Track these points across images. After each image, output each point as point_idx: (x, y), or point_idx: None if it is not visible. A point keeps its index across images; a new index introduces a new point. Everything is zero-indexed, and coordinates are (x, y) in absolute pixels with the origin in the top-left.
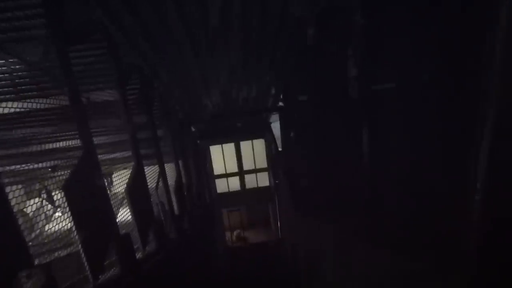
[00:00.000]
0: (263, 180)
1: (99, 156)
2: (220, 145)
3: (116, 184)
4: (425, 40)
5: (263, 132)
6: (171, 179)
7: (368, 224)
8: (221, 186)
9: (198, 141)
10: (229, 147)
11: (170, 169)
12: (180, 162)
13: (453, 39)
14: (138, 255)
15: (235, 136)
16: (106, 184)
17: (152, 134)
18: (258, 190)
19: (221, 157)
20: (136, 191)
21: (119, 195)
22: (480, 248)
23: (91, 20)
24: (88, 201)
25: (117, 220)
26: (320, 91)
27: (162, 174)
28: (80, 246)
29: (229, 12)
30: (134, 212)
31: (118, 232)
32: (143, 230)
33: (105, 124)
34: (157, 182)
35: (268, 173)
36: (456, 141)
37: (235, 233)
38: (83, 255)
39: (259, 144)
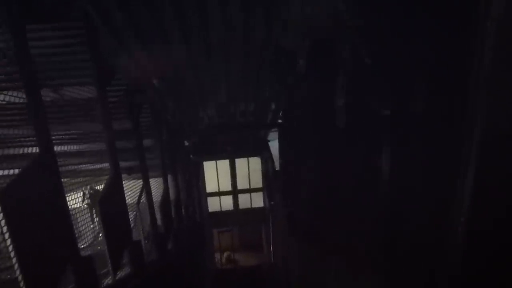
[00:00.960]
0: (258, 200)
1: (78, 166)
2: (214, 161)
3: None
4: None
5: (260, 150)
6: (157, 195)
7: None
8: (213, 204)
9: (191, 156)
10: (224, 164)
11: (157, 183)
12: (169, 177)
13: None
14: (106, 281)
15: (230, 152)
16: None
17: (137, 144)
18: (251, 211)
19: (215, 174)
20: (110, 205)
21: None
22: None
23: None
24: (35, 214)
25: (77, 239)
26: (310, 118)
27: (145, 188)
28: (19, 269)
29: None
30: (105, 229)
31: (78, 253)
32: (115, 250)
33: (81, 127)
34: (139, 197)
35: (263, 194)
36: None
37: (225, 254)
38: (22, 282)
39: (255, 163)
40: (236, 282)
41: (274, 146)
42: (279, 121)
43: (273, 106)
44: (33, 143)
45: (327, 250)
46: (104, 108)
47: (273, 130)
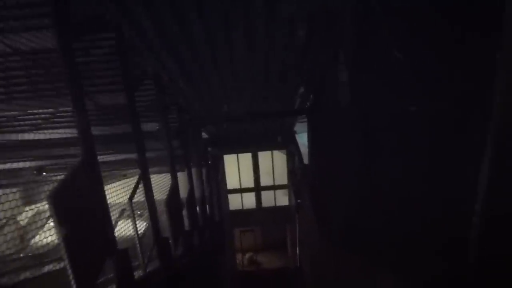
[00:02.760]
0: (282, 198)
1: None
2: (236, 155)
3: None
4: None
5: (286, 142)
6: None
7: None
8: (235, 202)
9: (209, 149)
10: (246, 158)
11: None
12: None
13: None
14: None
15: (253, 145)
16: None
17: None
18: (275, 210)
19: (236, 169)
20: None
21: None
22: (481, 256)
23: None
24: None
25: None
26: (345, 103)
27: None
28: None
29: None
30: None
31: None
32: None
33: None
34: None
35: (289, 191)
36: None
37: (247, 255)
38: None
39: (280, 157)
40: (259, 285)
41: (301, 139)
42: (309, 106)
43: (301, 90)
44: None
45: (364, 256)
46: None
47: (300, 120)
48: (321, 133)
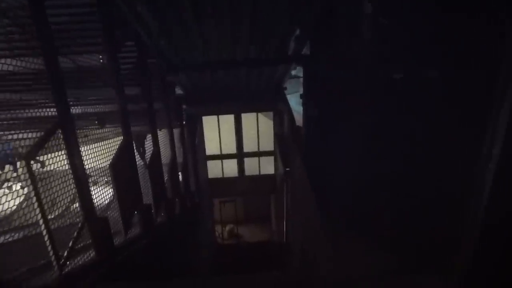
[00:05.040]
0: (268, 166)
1: None
2: (216, 117)
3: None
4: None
5: (274, 101)
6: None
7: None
8: (214, 170)
9: (184, 106)
10: (228, 121)
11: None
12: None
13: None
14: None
15: (235, 104)
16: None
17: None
18: (260, 178)
19: (216, 133)
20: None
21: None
22: (476, 250)
23: None
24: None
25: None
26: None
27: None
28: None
29: None
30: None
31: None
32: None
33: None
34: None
35: (275, 158)
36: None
37: (227, 228)
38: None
39: (266, 122)
40: (239, 259)
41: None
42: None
43: (297, 32)
44: None
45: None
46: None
47: (293, 75)
48: (320, 86)
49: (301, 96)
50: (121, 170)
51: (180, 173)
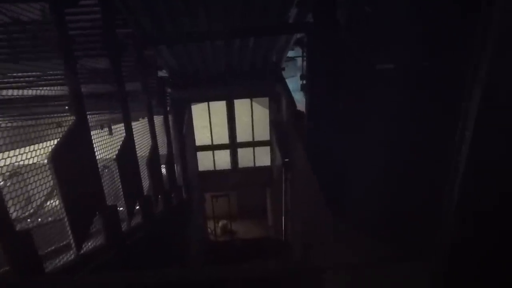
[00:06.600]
0: (263, 157)
1: None
2: (206, 104)
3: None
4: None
5: (271, 84)
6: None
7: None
8: (205, 162)
9: (169, 90)
10: (220, 109)
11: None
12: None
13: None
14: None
15: (227, 89)
16: None
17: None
18: (254, 171)
19: (207, 121)
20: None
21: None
22: (455, 244)
23: None
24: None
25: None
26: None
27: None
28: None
29: None
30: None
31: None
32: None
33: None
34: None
35: (271, 148)
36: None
37: (220, 224)
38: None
39: (261, 110)
40: (234, 257)
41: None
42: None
43: None
44: None
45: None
46: None
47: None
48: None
49: (301, 78)
50: (67, 165)
51: (163, 167)
